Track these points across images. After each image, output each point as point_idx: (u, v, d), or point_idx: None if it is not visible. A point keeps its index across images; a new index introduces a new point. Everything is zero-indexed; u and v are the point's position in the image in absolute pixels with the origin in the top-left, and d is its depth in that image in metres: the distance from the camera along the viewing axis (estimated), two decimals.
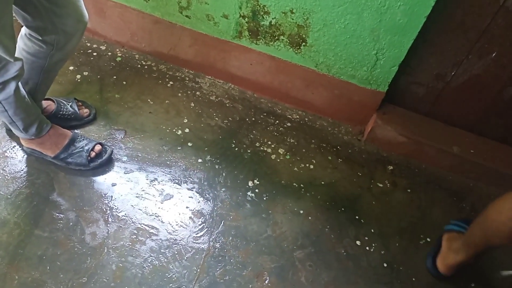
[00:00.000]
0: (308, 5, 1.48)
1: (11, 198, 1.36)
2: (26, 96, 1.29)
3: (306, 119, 1.80)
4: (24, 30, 1.25)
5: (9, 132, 1.50)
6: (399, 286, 1.39)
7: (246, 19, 1.61)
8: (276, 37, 1.63)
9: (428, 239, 1.52)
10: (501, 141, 1.74)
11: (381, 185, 1.64)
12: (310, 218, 1.49)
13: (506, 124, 1.68)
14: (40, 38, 1.23)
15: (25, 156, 1.47)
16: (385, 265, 1.43)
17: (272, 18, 1.57)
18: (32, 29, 1.22)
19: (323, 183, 1.59)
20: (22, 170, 1.43)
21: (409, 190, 1.65)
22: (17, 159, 1.46)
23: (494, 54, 1.49)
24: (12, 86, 1.20)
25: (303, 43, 1.61)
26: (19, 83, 1.23)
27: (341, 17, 1.47)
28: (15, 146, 1.49)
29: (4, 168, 1.42)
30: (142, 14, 1.74)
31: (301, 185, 1.57)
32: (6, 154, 1.46)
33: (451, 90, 1.65)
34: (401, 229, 1.53)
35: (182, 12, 1.68)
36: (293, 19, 1.55)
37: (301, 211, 1.50)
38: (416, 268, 1.44)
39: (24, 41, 1.26)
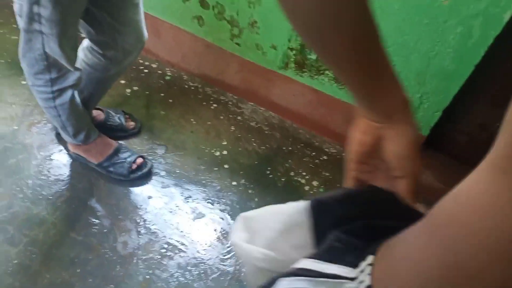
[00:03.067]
0: None
1: (52, 199, 1.42)
2: (80, 104, 1.36)
3: (343, 154, 1.80)
4: (86, 42, 1.34)
5: (58, 136, 1.58)
6: None
7: (294, 51, 1.66)
8: (321, 72, 1.66)
9: None
10: None
11: None
12: None
13: None
14: (101, 52, 1.31)
15: (70, 160, 1.54)
16: None
17: None
18: (94, 42, 1.30)
19: None
20: (66, 173, 1.50)
21: None
22: (62, 162, 1.53)
23: None
24: (68, 93, 1.27)
25: None
26: (75, 92, 1.31)
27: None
28: (61, 150, 1.56)
29: (49, 170, 1.49)
30: (195, 38, 1.82)
31: None
32: (52, 157, 1.54)
33: (494, 141, 1.61)
34: None
35: (233, 40, 1.75)
36: None
37: None
38: None
39: (85, 53, 1.34)
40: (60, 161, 1.53)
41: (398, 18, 1.38)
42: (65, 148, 1.55)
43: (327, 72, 1.65)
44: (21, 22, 1.09)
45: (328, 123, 1.81)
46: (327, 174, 1.71)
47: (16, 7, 1.08)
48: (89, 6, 1.16)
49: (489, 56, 1.36)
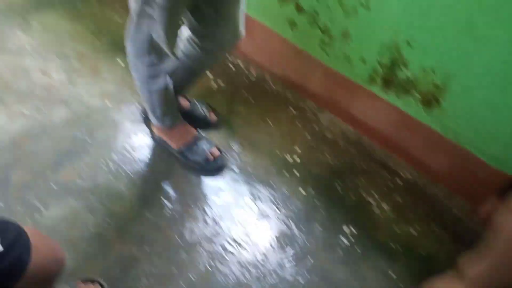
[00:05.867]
0: (452, 68, 1.44)
1: (132, 176, 1.50)
2: (172, 90, 1.42)
3: (419, 181, 1.73)
4: (185, 32, 1.39)
5: (145, 118, 1.66)
6: None
7: (383, 67, 1.62)
8: (409, 92, 1.61)
9: None
10: None
11: None
12: (400, 285, 1.41)
13: None
14: (198, 43, 1.36)
15: (153, 143, 1.61)
16: None
17: (410, 73, 1.56)
18: (194, 33, 1.35)
19: (422, 254, 1.51)
20: (147, 154, 1.58)
21: None
22: (146, 143, 1.61)
23: None
24: (164, 78, 1.33)
25: (436, 104, 1.56)
26: (170, 78, 1.37)
27: (485, 88, 1.41)
28: (146, 131, 1.65)
29: (133, 148, 1.58)
30: (284, 41, 1.84)
31: (399, 248, 1.51)
32: (137, 136, 1.62)
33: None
34: None
35: (322, 47, 1.74)
36: (432, 78, 1.52)
37: (393, 276, 1.43)
38: None
39: (183, 42, 1.40)
40: (143, 142, 1.61)
41: (502, 47, 1.30)
42: (149, 130, 1.63)
43: (415, 93, 1.60)
44: (134, 6, 1.15)
45: (408, 146, 1.75)
46: (399, 199, 1.65)
47: None
48: None
49: None
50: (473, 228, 1.62)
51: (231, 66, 1.98)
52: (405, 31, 1.48)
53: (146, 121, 1.64)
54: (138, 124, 1.66)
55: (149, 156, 1.57)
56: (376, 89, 1.71)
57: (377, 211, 1.60)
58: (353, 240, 1.49)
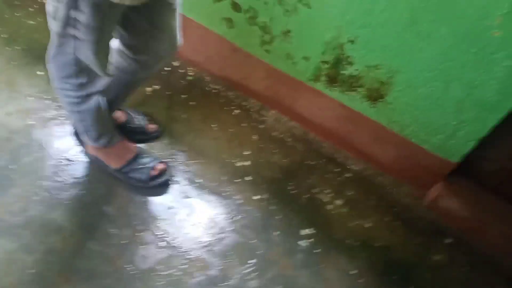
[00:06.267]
0: (395, 65, 1.45)
1: (69, 204, 1.35)
2: (106, 109, 1.28)
3: (367, 173, 1.75)
4: (117, 45, 1.26)
5: (76, 134, 1.50)
6: None
7: (327, 65, 1.59)
8: (354, 88, 1.60)
9: None
10: None
11: (437, 258, 1.56)
12: (361, 280, 1.43)
13: None
14: (132, 56, 1.24)
15: (88, 163, 1.46)
16: None
17: (355, 70, 1.55)
18: (126, 46, 1.23)
19: (378, 245, 1.54)
20: (83, 176, 1.43)
21: (465, 269, 1.57)
22: (80, 164, 1.46)
23: None
24: (96, 99, 1.21)
25: (380, 99, 1.57)
26: (102, 97, 1.23)
27: (428, 83, 1.44)
28: (79, 150, 1.48)
29: (66, 172, 1.42)
30: (222, 40, 1.74)
31: (356, 243, 1.52)
32: (69, 157, 1.47)
33: None
34: None
35: (262, 46, 1.68)
36: (376, 75, 1.52)
37: (354, 272, 1.44)
38: None
39: (115, 56, 1.26)
40: (77, 163, 1.45)
41: (444, 44, 1.33)
42: (83, 150, 1.47)
43: (359, 89, 1.59)
44: (54, 25, 1.01)
45: (353, 139, 1.75)
46: (351, 193, 1.66)
47: (49, 8, 0.99)
48: (127, 11, 1.08)
49: None
50: (421, 214, 1.68)
51: (166, 67, 1.85)
52: (348, 29, 1.45)
53: (79, 139, 1.48)
54: (68, 143, 1.49)
55: (86, 178, 1.42)
56: (320, 86, 1.68)
57: (330, 208, 1.59)
58: (311, 242, 1.48)
